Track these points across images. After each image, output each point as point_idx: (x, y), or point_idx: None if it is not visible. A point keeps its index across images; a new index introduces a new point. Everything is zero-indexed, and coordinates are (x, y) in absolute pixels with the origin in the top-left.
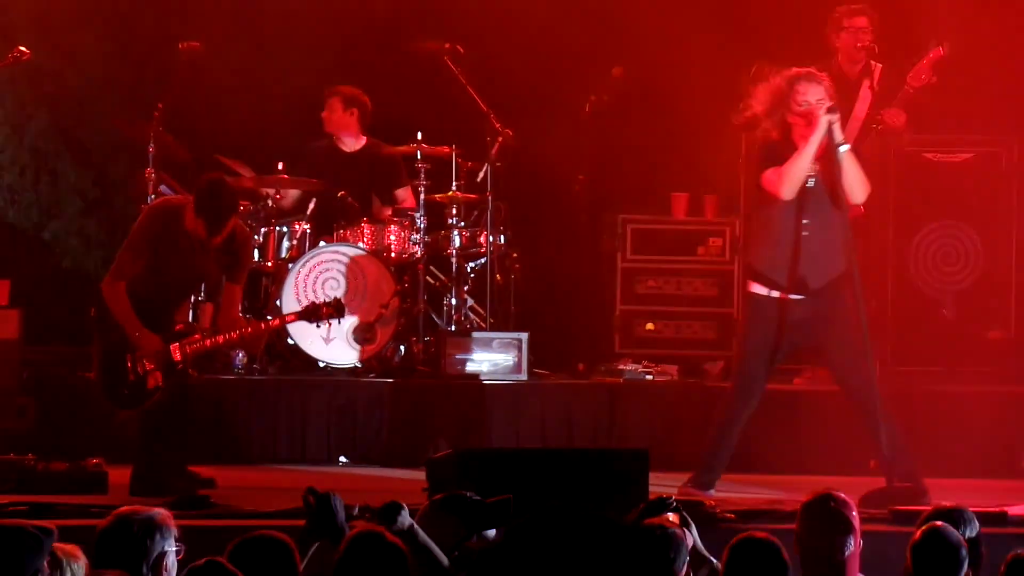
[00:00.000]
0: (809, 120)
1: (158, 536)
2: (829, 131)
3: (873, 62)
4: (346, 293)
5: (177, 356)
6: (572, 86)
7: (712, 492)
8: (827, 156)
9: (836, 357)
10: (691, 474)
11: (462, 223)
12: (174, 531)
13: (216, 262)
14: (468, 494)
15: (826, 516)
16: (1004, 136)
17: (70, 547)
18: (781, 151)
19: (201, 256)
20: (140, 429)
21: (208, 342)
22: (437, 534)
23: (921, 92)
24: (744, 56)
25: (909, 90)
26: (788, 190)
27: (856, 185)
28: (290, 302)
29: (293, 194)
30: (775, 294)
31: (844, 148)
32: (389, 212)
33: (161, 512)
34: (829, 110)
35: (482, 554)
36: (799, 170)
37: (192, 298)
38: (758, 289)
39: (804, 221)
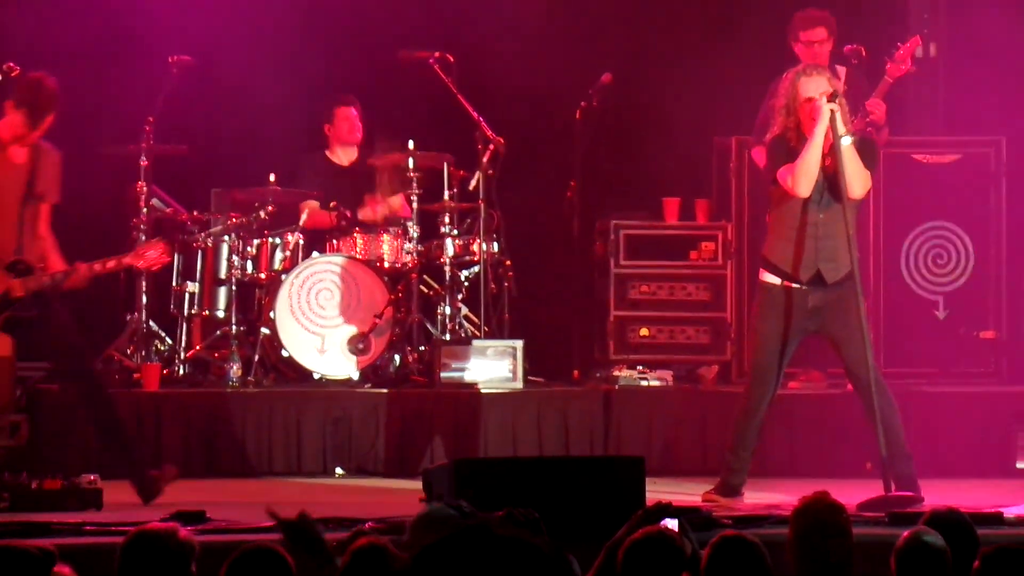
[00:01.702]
0: (814, 113)
1: (187, 553)
2: (832, 122)
3: (838, 67)
4: (339, 304)
5: (16, 291)
6: (562, 93)
7: (741, 498)
8: (833, 149)
9: (845, 349)
10: (717, 480)
11: (455, 231)
12: (197, 548)
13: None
14: (462, 503)
15: (819, 520)
16: (992, 137)
17: (66, 569)
18: (794, 147)
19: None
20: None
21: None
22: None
23: (900, 82)
24: (732, 61)
25: (889, 79)
26: (803, 186)
27: (855, 178)
28: (284, 313)
29: (285, 205)
30: (788, 284)
31: (846, 140)
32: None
33: (182, 529)
34: (830, 99)
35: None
36: (809, 164)
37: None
38: (770, 278)
39: (820, 216)
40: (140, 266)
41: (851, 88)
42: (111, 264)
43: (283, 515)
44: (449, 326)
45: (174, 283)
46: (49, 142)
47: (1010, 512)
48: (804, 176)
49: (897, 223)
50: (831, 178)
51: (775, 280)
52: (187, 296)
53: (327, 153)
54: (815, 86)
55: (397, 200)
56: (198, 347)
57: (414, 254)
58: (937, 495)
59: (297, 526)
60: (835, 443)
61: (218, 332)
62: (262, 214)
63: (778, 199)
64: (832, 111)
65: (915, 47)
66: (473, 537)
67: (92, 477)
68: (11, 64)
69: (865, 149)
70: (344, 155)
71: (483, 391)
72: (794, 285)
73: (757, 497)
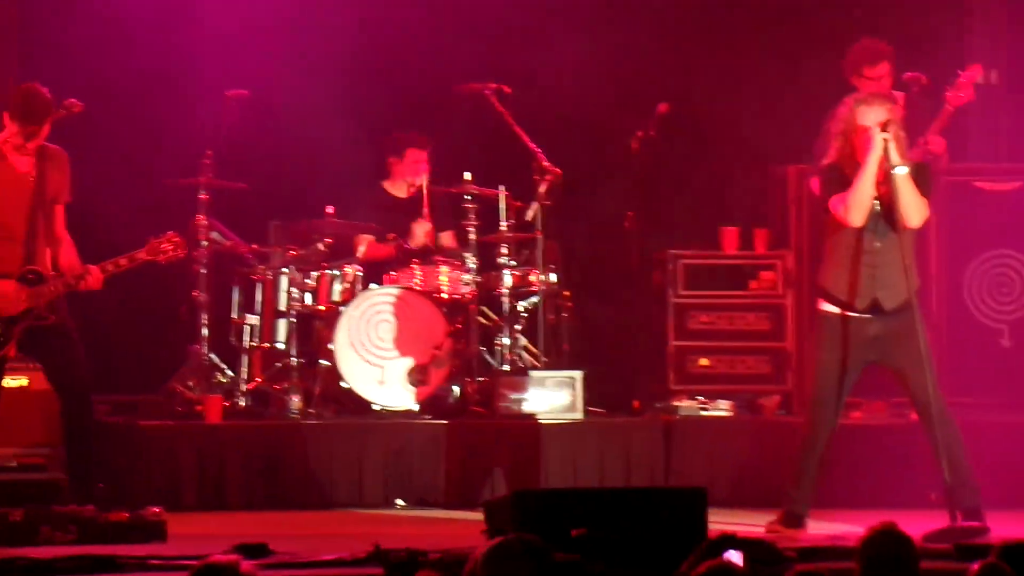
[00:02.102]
0: (869, 142)
1: None
2: (885, 151)
3: (897, 92)
4: (398, 335)
5: (28, 302)
6: (619, 123)
7: (804, 529)
8: (887, 179)
9: (908, 378)
10: (779, 511)
11: (513, 262)
12: None
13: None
14: (530, 539)
15: (886, 551)
16: None
17: None
18: (848, 175)
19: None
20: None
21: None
22: None
23: (961, 111)
24: (790, 88)
25: (949, 108)
26: (856, 216)
27: (911, 208)
28: (343, 345)
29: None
30: (846, 312)
31: (900, 170)
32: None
33: (245, 562)
34: (884, 128)
35: None
36: (863, 194)
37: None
38: (828, 307)
39: (876, 244)
40: (160, 260)
41: (911, 115)
42: (123, 262)
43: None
44: (508, 357)
45: (234, 315)
46: (55, 144)
47: None
48: (857, 205)
49: (959, 251)
50: (886, 206)
51: (833, 309)
52: (247, 328)
53: (385, 185)
54: (873, 115)
55: (447, 236)
56: (259, 379)
57: (472, 285)
58: (1004, 526)
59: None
60: (899, 473)
61: (278, 364)
62: (320, 246)
63: (833, 227)
64: (885, 140)
65: (976, 76)
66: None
67: (157, 509)
68: (73, 100)
69: (919, 175)
70: (404, 188)
71: (542, 422)
72: (852, 314)
73: (821, 528)
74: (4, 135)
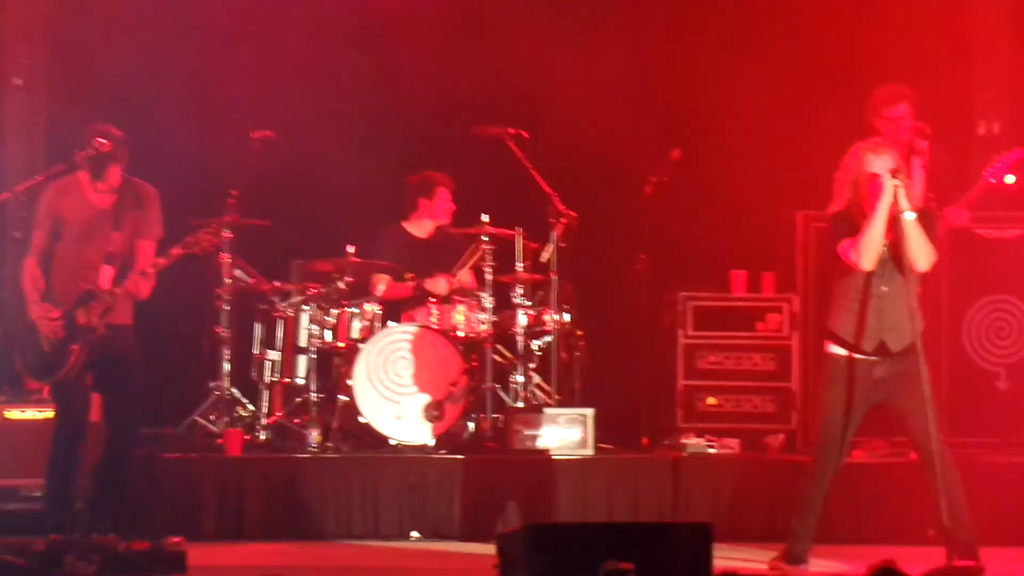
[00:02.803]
0: (878, 189)
1: None
2: (895, 198)
3: (919, 139)
4: (415, 372)
5: (81, 320)
6: (632, 169)
7: (806, 565)
8: (892, 225)
9: (910, 419)
10: (782, 547)
11: (527, 302)
12: None
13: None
14: None
15: None
16: None
17: None
18: (857, 222)
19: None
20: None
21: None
22: None
23: (995, 188)
24: (799, 137)
25: (985, 184)
26: (866, 260)
27: (919, 253)
28: (361, 381)
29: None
30: (853, 355)
31: (909, 216)
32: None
33: None
34: (894, 175)
35: None
36: (873, 239)
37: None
38: (835, 349)
39: (883, 288)
40: (195, 252)
41: (932, 162)
42: (162, 261)
43: None
44: (522, 394)
45: (256, 351)
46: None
47: None
48: (867, 250)
49: (960, 296)
50: (894, 251)
51: (840, 351)
52: (268, 364)
53: (405, 225)
54: (882, 163)
55: (466, 275)
56: (279, 413)
57: (488, 324)
58: (999, 565)
59: None
60: (898, 510)
61: (298, 399)
62: (340, 285)
63: (842, 272)
64: (895, 186)
65: (1019, 158)
66: None
67: (177, 539)
68: (101, 140)
69: (926, 221)
70: (424, 228)
71: (555, 457)
72: (859, 356)
73: (822, 565)
74: (82, 174)
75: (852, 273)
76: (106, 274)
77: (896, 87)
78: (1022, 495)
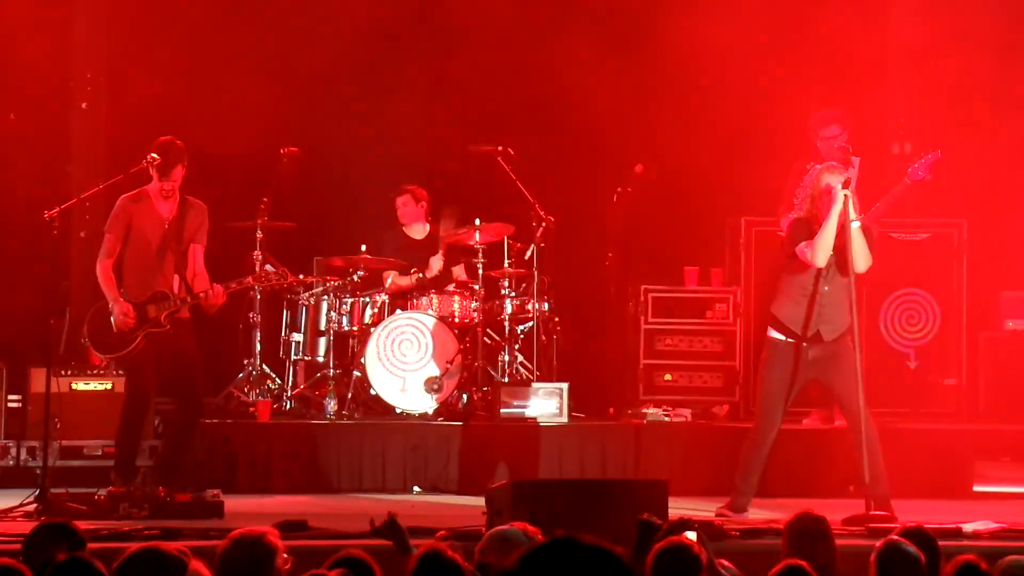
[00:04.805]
0: (831, 200)
1: (268, 552)
2: (845, 206)
3: (852, 156)
4: (418, 351)
5: (151, 314)
6: (602, 180)
7: (747, 514)
8: (841, 231)
9: (841, 394)
10: (727, 499)
11: (513, 293)
12: (281, 548)
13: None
14: (524, 527)
15: (806, 528)
16: (956, 219)
17: (198, 564)
18: (814, 228)
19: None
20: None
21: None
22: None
23: (917, 187)
24: (744, 155)
25: (908, 183)
26: (820, 258)
27: (861, 256)
28: (372, 359)
29: (377, 270)
30: (792, 341)
31: (856, 224)
32: (460, 277)
33: (269, 532)
34: (845, 186)
35: None
36: (826, 240)
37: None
38: (776, 335)
39: (825, 288)
40: (263, 285)
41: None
42: (234, 285)
43: (378, 521)
44: (508, 371)
45: (283, 334)
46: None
47: (968, 527)
48: (821, 249)
49: (877, 289)
50: (838, 257)
51: (781, 337)
52: (293, 344)
53: (404, 228)
54: (835, 178)
55: (459, 269)
56: (302, 387)
57: (479, 312)
58: (907, 513)
59: (388, 524)
60: (823, 469)
61: (318, 374)
62: (355, 278)
63: (794, 269)
64: (846, 196)
65: (937, 160)
66: (566, 545)
67: (215, 492)
68: (153, 156)
69: (865, 231)
70: (418, 230)
71: (537, 424)
72: (794, 341)
73: (760, 514)
74: (153, 185)
75: (803, 271)
76: (176, 280)
77: (830, 110)
78: (928, 456)
